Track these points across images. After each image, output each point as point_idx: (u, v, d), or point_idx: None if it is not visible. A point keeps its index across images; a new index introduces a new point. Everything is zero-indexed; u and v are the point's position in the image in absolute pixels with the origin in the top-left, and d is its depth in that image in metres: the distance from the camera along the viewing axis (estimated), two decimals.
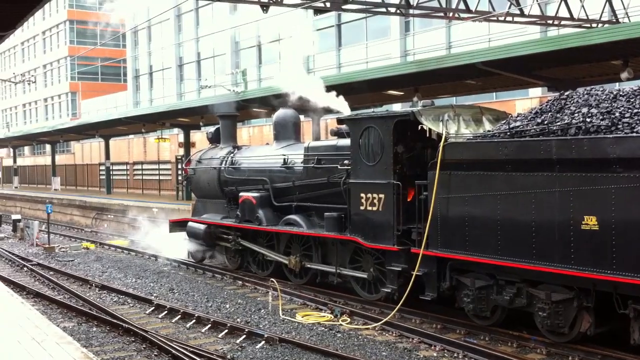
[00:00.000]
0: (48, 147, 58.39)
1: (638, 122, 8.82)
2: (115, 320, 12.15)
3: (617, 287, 8.97)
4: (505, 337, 10.61)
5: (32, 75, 54.86)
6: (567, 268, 9.27)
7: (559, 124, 9.64)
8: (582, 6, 19.81)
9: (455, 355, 10.10)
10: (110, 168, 43.66)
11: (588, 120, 9.31)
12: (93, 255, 21.72)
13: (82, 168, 53.09)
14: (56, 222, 33.45)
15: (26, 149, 72.22)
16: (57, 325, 11.03)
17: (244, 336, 11.14)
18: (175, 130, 41.41)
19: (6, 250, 22.62)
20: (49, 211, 24.81)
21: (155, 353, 10.37)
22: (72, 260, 20.54)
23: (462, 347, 10.23)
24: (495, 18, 19.77)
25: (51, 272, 18.26)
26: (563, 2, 19.73)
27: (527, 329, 10.56)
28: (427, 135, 11.54)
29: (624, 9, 20.11)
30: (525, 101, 25.03)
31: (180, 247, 19.23)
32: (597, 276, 8.96)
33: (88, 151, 58.31)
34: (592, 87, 10.44)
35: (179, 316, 12.68)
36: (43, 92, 73.67)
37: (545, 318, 9.93)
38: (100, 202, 34.37)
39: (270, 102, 19.85)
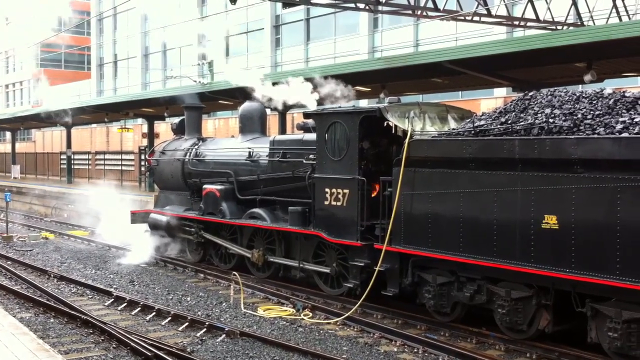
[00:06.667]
0: (8, 134, 57.27)
1: (600, 123, 8.95)
2: (73, 312, 11.95)
3: (575, 286, 9.10)
4: (464, 333, 10.71)
5: None
6: (527, 266, 9.38)
7: (522, 123, 9.74)
8: (549, 8, 20.09)
9: (415, 350, 10.16)
10: (72, 157, 42.98)
11: (551, 120, 9.42)
12: (52, 245, 21.35)
13: (42, 156, 52.19)
14: (15, 210, 32.81)
15: None
16: (14, 316, 10.85)
17: (205, 329, 11.05)
18: (139, 120, 41.00)
19: None
20: (8, 199, 24.32)
21: (114, 345, 10.23)
22: (30, 250, 20.16)
23: (422, 342, 10.30)
24: (462, 17, 19.95)
25: (9, 262, 17.89)
26: (529, 4, 19.98)
27: (487, 326, 10.67)
28: (393, 131, 11.60)
29: (589, 12, 20.43)
30: (490, 100, 25.34)
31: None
32: (556, 274, 9.08)
33: (49, 139, 57.41)
34: (555, 88, 10.57)
35: (139, 308, 12.53)
36: (4, 79, 72.17)
37: (505, 315, 10.05)
38: (61, 191, 33.82)
39: (235, 95, 19.71)
